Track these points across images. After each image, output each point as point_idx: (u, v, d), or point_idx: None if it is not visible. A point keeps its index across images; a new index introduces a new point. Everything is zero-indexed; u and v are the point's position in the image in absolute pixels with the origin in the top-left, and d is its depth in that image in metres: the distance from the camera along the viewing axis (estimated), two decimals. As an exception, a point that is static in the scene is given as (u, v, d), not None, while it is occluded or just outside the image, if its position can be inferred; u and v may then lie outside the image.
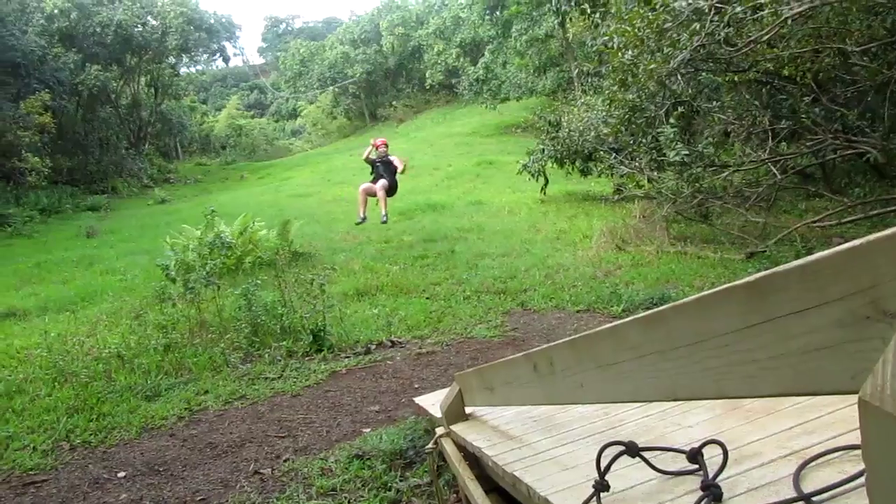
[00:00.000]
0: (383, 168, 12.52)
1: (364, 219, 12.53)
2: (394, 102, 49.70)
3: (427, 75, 44.60)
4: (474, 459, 3.45)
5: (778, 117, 10.43)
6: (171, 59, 38.50)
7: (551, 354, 2.18)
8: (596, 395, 1.93)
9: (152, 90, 38.62)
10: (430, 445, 4.12)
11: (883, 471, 0.81)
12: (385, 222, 12.66)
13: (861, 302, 0.92)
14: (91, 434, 5.80)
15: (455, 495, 4.10)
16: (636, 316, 1.57)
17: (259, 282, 8.64)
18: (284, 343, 7.61)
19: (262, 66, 73.84)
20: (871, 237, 0.91)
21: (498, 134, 30.21)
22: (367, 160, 12.86)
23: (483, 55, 34.88)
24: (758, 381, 1.19)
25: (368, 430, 5.41)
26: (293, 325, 7.92)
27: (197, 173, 36.34)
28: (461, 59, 41.43)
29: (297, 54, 50.89)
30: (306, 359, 7.39)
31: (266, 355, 7.40)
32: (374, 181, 12.58)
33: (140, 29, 35.00)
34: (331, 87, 49.69)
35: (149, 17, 36.15)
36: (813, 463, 1.92)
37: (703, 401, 2.98)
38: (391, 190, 12.62)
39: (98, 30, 32.01)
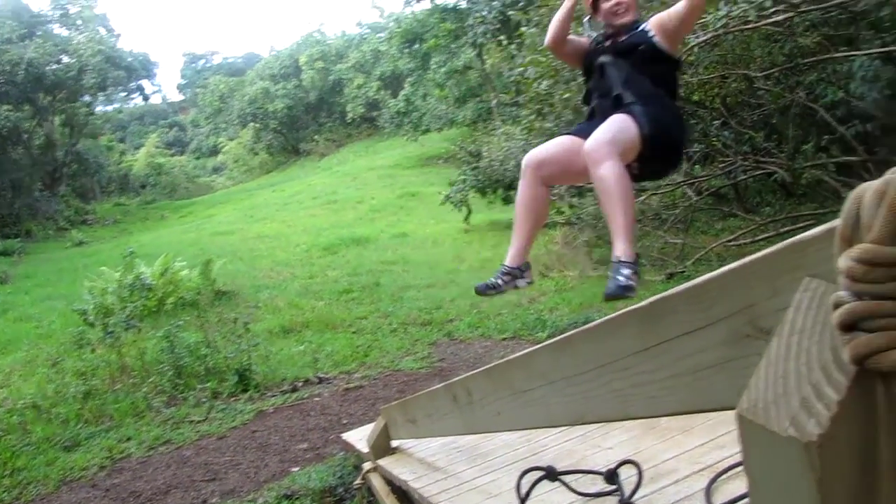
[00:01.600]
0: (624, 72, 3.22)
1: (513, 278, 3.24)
2: (316, 136, 49.46)
3: (348, 109, 44.54)
4: (402, 493, 3.46)
5: (690, 141, 10.71)
6: (87, 98, 37.67)
7: (469, 384, 2.21)
8: (512, 423, 1.97)
9: (67, 129, 37.72)
10: (357, 481, 4.13)
11: (762, 483, 0.85)
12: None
13: (741, 321, 0.97)
14: (4, 491, 5.58)
15: (386, 530, 4.07)
16: (545, 343, 1.62)
17: (181, 323, 8.48)
18: (209, 384, 7.48)
19: (181, 104, 72.78)
20: (746, 259, 0.97)
21: (420, 165, 30.30)
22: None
23: (403, 88, 35.05)
24: (658, 400, 1.24)
25: (297, 468, 5.35)
26: (218, 366, 7.80)
27: (116, 214, 35.55)
28: (382, 92, 41.54)
29: (216, 90, 50.31)
30: (232, 399, 7.28)
31: (191, 398, 7.26)
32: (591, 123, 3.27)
33: (54, 67, 34.19)
34: (251, 123, 49.25)
35: (63, 56, 35.36)
36: (723, 476, 1.99)
37: (621, 422, 3.06)
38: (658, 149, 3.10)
39: (8, 68, 31.17)
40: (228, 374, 7.63)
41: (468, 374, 2.29)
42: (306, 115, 50.29)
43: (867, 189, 0.76)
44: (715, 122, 10.51)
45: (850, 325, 0.74)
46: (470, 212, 15.96)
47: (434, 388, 2.76)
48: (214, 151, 56.08)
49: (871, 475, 0.77)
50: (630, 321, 1.24)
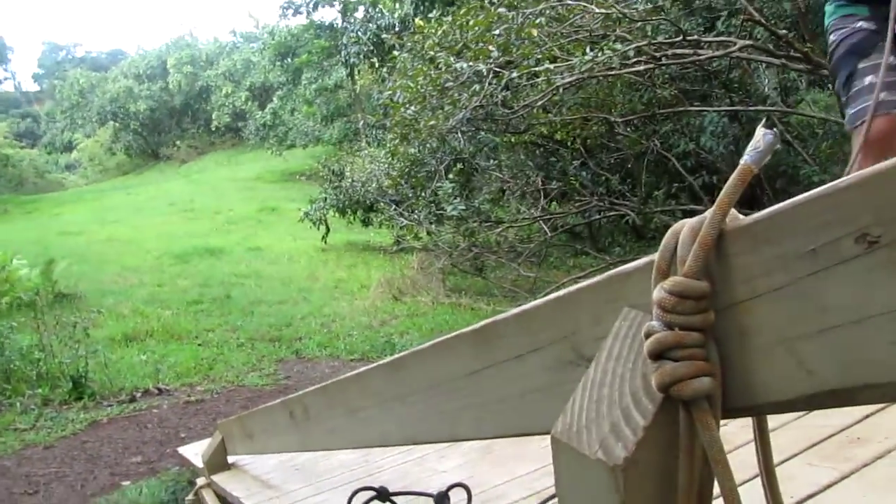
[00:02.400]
0: None
1: None
2: (178, 142, 48.12)
3: (214, 117, 43.49)
4: (237, 511, 3.37)
5: (550, 178, 11.02)
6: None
7: (305, 401, 2.19)
8: (346, 441, 1.96)
9: None
10: (189, 497, 3.99)
11: (569, 500, 0.88)
12: None
13: (565, 347, 1.00)
14: None
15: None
16: (380, 362, 1.62)
17: (15, 324, 8.05)
18: (40, 391, 7.11)
19: (36, 94, 69.46)
20: (573, 288, 1.00)
21: (282, 180, 29.92)
22: None
23: (272, 101, 34.59)
24: (485, 423, 1.25)
25: (128, 482, 5.14)
26: (51, 371, 7.42)
27: (-46, 206, 33.55)
28: (249, 103, 40.81)
29: (76, 84, 48.20)
30: (64, 407, 6.94)
31: (18, 404, 6.88)
32: None
33: None
34: (111, 122, 47.41)
35: None
36: (549, 502, 2.03)
37: (459, 446, 3.08)
38: None
39: None
40: (62, 381, 7.28)
41: (306, 390, 2.26)
42: (170, 119, 48.88)
43: (684, 225, 0.80)
44: (574, 163, 10.85)
45: (658, 354, 0.77)
46: (328, 231, 15.85)
47: (272, 403, 2.71)
48: (69, 147, 53.55)
49: (668, 497, 0.81)
50: (462, 343, 1.25)
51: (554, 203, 11.38)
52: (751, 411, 0.80)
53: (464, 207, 10.23)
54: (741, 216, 0.77)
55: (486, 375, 1.19)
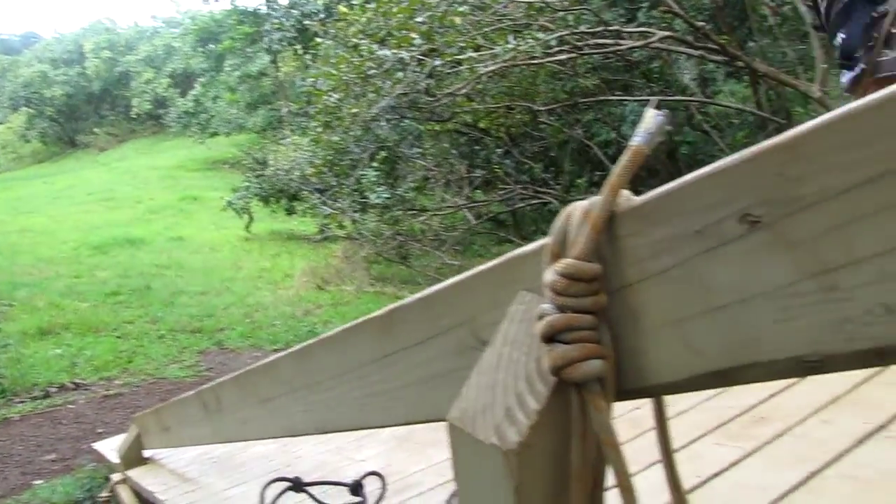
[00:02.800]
0: None
1: None
2: (96, 129, 46.76)
3: (134, 103, 42.35)
4: (153, 506, 3.31)
5: (474, 166, 11.06)
6: None
7: (218, 391, 2.15)
8: (259, 431, 1.93)
9: None
10: (103, 494, 3.91)
11: (468, 489, 0.87)
12: None
13: (465, 332, 0.99)
14: None
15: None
16: (289, 350, 1.59)
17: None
18: (-53, 387, 6.88)
19: (-59, 78, 66.92)
20: (472, 272, 0.99)
21: (205, 169, 29.37)
22: None
23: (194, 88, 33.91)
24: (391, 409, 1.24)
25: (41, 481, 5.00)
26: (-41, 367, 7.19)
27: None
28: (171, 90, 39.90)
29: (-15, 67, 46.54)
30: (-27, 406, 6.72)
31: (-77, 402, 6.65)
32: None
33: None
34: (25, 108, 45.85)
35: None
36: (463, 490, 2.03)
37: (378, 434, 3.07)
38: None
39: None
40: (-30, 377, 7.05)
41: (219, 380, 2.23)
42: (87, 106, 47.50)
43: (576, 208, 0.80)
44: (498, 151, 10.90)
45: (550, 337, 0.77)
46: (251, 220, 15.66)
47: (186, 395, 2.67)
48: (-21, 134, 51.76)
49: (562, 481, 0.81)
50: (368, 330, 1.24)
51: (478, 191, 11.44)
52: (643, 393, 0.80)
53: (388, 196, 10.21)
54: (635, 198, 0.77)
55: (392, 361, 1.18)
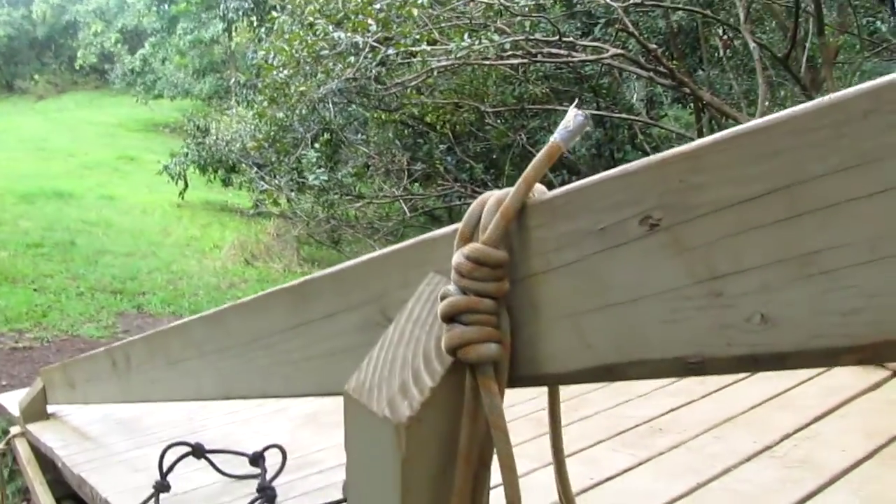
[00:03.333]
0: None
1: None
2: (36, 76, 45.50)
3: (79, 55, 41.22)
4: (50, 463, 3.25)
5: (415, 159, 11.05)
6: None
7: (128, 349, 2.13)
8: (165, 392, 1.92)
9: None
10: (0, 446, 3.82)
11: (357, 461, 0.89)
12: None
13: (374, 309, 1.01)
14: None
15: (26, 503, 3.80)
16: (202, 314, 1.59)
17: None
18: None
19: None
20: (385, 250, 1.01)
21: (145, 130, 28.82)
22: None
23: (143, 46, 33.19)
24: (294, 380, 1.25)
25: (-66, 430, 4.86)
26: None
27: None
28: (119, 46, 38.98)
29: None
30: None
31: None
32: None
33: None
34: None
35: None
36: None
37: (286, 411, 3.07)
38: None
39: None
40: None
41: (129, 339, 2.20)
42: (29, 51, 46.10)
43: (491, 196, 0.82)
44: (441, 147, 10.92)
45: (450, 317, 0.79)
46: (186, 187, 15.41)
47: (96, 351, 2.63)
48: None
49: (450, 458, 0.83)
50: (279, 299, 1.25)
51: (417, 184, 11.44)
52: (536, 381, 0.82)
53: (326, 178, 10.16)
54: (548, 192, 0.79)
55: (299, 333, 1.19)
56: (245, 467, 2.23)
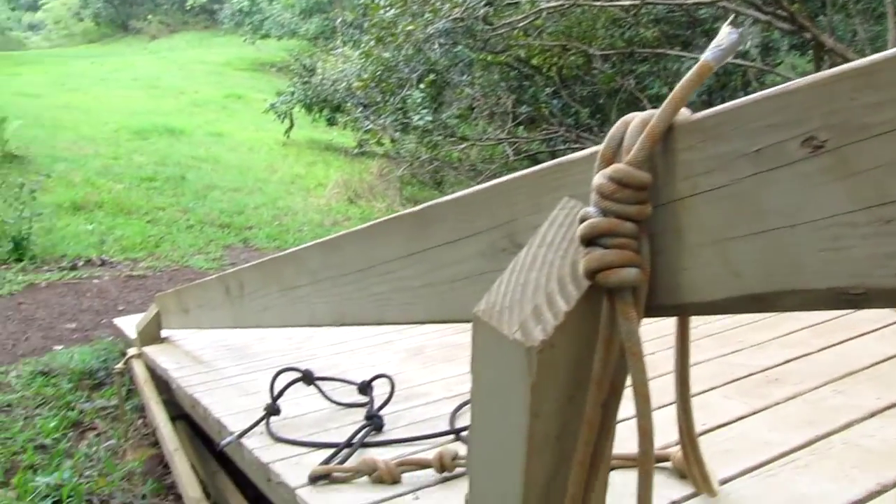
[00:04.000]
0: None
1: None
2: (149, 16, 46.57)
3: (190, -5, 42.14)
4: (164, 384, 3.38)
5: (520, 102, 10.93)
6: None
7: (242, 277, 2.17)
8: (277, 319, 1.95)
9: None
10: (118, 365, 3.98)
11: (484, 384, 0.87)
12: None
13: (500, 234, 0.99)
14: None
15: (142, 420, 3.97)
16: (317, 241, 1.60)
17: (-42, 177, 7.87)
18: (-23, 248, 7.00)
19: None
20: (513, 175, 0.98)
21: (252, 69, 29.24)
22: None
23: (252, -13, 33.55)
24: (413, 307, 1.25)
25: (61, 347, 5.10)
26: (-9, 230, 7.29)
27: None
28: (229, -14, 39.54)
29: (45, -62, 46.19)
30: (3, 267, 6.83)
31: (-47, 257, 6.77)
32: None
33: None
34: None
35: None
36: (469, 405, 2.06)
37: (392, 344, 3.10)
38: None
39: None
40: (3, 241, 7.14)
41: (242, 266, 2.24)
42: (144, -8, 47.24)
43: (635, 116, 0.79)
44: (547, 90, 10.77)
45: (590, 240, 0.76)
46: (292, 125, 15.60)
47: (208, 278, 2.70)
48: (34, 7, 51.65)
49: (578, 385, 0.81)
50: (400, 226, 1.24)
51: (521, 127, 11.32)
52: (674, 310, 0.80)
53: (431, 119, 10.15)
54: (695, 114, 0.76)
55: (420, 259, 1.18)
56: (352, 396, 2.27)
